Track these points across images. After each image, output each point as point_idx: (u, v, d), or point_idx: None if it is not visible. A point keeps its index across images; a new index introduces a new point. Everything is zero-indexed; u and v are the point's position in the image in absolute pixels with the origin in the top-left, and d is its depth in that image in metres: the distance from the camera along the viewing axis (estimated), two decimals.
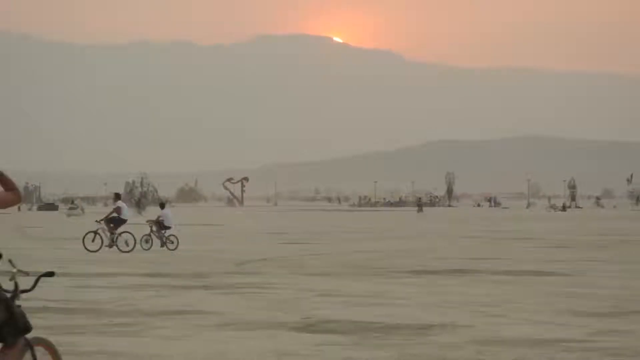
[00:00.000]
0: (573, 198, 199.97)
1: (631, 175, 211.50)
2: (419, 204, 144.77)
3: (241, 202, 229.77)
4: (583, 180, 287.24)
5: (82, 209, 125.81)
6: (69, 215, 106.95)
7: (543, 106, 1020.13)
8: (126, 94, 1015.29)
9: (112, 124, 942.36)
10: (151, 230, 37.80)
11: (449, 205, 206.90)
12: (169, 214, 38.55)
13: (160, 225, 37.90)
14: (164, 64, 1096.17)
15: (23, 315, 7.61)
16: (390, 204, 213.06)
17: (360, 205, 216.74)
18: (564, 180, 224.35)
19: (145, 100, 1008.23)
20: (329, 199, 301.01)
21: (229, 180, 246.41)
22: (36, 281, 8.01)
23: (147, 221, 39.04)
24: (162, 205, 39.89)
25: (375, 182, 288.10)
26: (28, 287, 7.91)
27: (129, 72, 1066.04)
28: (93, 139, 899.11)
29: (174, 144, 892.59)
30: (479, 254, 34.14)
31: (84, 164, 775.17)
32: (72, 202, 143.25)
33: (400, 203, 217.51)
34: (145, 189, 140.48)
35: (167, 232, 37.73)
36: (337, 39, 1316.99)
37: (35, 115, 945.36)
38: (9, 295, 7.62)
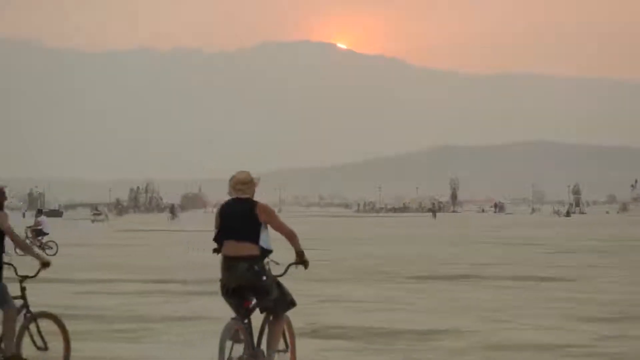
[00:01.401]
0: (577, 203, 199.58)
1: (635, 181, 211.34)
2: (433, 210, 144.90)
3: None
4: (587, 185, 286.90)
5: (107, 216, 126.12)
6: (93, 221, 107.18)
7: (547, 112, 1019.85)
8: (129, 100, 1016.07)
9: (114, 130, 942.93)
10: (26, 237, 37.73)
11: (453, 211, 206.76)
12: (46, 221, 38.91)
13: (37, 231, 37.91)
14: (166, 70, 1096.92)
15: (289, 294, 10.13)
16: (395, 210, 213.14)
17: (365, 210, 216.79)
18: (568, 186, 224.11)
19: (148, 106, 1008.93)
20: (346, 205, 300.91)
21: None
22: (286, 268, 10.24)
23: (26, 228, 38.79)
24: (40, 212, 40.37)
25: (379, 187, 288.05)
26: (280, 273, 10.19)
27: (131, 79, 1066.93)
28: (96, 145, 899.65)
29: (177, 150, 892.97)
30: (483, 260, 34.10)
31: (87, 170, 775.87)
32: (96, 209, 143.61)
33: (404, 209, 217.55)
34: (150, 195, 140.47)
35: (45, 238, 37.87)
36: (341, 45, 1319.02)
37: (37, 121, 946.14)
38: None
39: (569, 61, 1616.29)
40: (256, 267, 9.88)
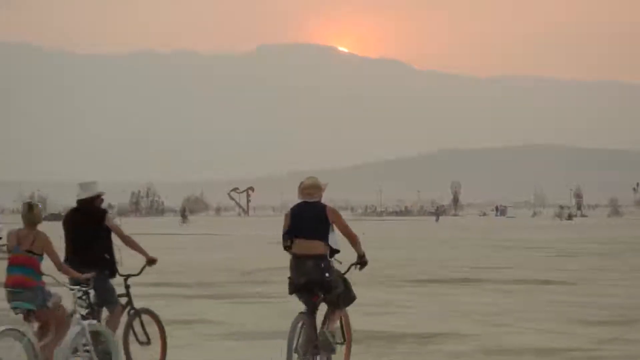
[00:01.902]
0: (579, 207, 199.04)
1: (637, 184, 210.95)
2: (437, 213, 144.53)
3: (247, 211, 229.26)
4: (589, 189, 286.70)
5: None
6: None
7: (548, 114, 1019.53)
8: (129, 102, 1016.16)
9: (115, 133, 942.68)
10: None
11: (454, 215, 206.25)
12: (1, 225, 36.77)
13: None
14: (166, 73, 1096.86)
15: (352, 290, 11.20)
16: (396, 213, 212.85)
17: (367, 214, 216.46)
18: (570, 189, 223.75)
19: (148, 108, 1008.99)
20: (351, 208, 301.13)
21: (234, 189, 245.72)
22: (349, 268, 11.18)
23: None
24: None
25: (380, 191, 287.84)
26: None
27: (132, 81, 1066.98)
28: (96, 147, 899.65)
29: (178, 153, 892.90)
30: (484, 263, 34.07)
31: (87, 173, 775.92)
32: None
33: (406, 212, 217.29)
34: (152, 199, 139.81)
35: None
36: (342, 48, 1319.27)
37: (38, 125, 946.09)
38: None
39: (570, 64, 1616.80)
40: (322, 265, 10.86)
